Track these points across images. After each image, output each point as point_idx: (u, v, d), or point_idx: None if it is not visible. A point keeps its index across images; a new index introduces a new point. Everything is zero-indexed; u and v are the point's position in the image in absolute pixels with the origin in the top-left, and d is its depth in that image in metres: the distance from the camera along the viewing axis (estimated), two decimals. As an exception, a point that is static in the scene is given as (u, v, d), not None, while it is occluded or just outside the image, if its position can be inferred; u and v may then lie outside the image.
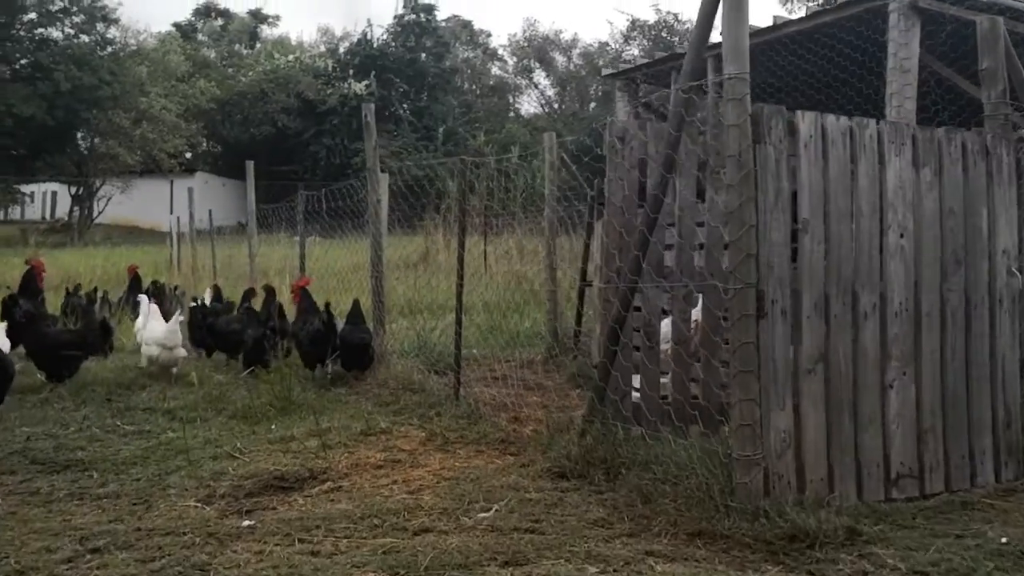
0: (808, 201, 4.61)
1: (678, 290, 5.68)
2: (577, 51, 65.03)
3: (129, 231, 44.10)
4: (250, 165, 14.93)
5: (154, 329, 9.10)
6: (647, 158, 5.68)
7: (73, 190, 47.73)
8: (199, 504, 4.93)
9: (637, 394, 5.70)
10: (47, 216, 54.61)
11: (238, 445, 6.30)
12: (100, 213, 47.77)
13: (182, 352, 9.17)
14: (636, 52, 59.25)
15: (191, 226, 22.10)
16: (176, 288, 14.76)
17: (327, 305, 9.11)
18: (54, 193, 54.25)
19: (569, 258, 13.65)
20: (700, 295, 5.76)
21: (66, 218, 48.26)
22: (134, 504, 4.99)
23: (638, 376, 5.66)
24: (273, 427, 6.95)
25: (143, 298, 10.27)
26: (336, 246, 13.64)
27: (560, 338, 10.29)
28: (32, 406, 7.67)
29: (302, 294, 9.38)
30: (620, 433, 5.23)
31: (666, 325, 5.85)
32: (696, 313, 5.85)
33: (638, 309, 5.56)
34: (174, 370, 8.97)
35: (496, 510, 4.63)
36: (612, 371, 5.32)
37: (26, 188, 53.84)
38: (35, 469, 5.80)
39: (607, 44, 62.03)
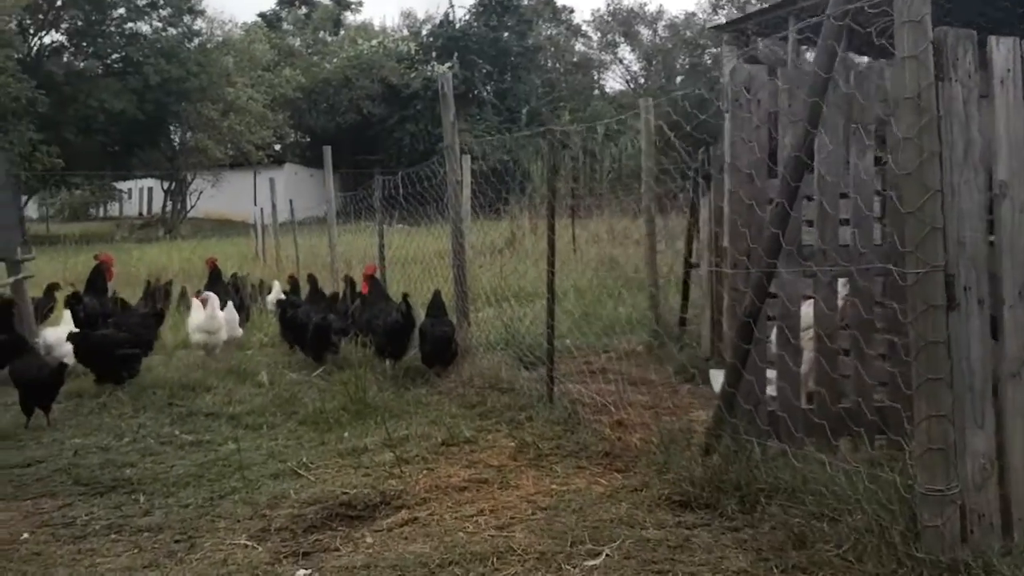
0: (1007, 158, 3.52)
1: (825, 274, 4.62)
2: (663, 23, 63.20)
3: (220, 224, 44.47)
4: (327, 151, 14.25)
5: (195, 317, 9.22)
6: (780, 113, 4.63)
7: (166, 185, 48.50)
8: (250, 543, 4.14)
9: (770, 397, 4.69)
10: (144, 212, 55.77)
11: (304, 460, 5.52)
12: (192, 207, 48.42)
13: (223, 336, 9.19)
14: (723, 21, 57.30)
15: (274, 217, 21.76)
16: (261, 281, 14.33)
17: (404, 296, 8.32)
18: (150, 189, 55.33)
19: (665, 239, 12.67)
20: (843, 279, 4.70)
21: (160, 213, 49.09)
22: (176, 541, 4.24)
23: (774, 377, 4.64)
24: (345, 435, 6.16)
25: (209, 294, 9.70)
26: (419, 232, 12.88)
27: (663, 326, 9.26)
28: (88, 412, 7.06)
29: (371, 282, 8.61)
30: (756, 451, 4.23)
31: (804, 313, 4.80)
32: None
33: (772, 295, 4.53)
34: (217, 351, 9.13)
35: (607, 555, 3.70)
36: (744, 374, 4.31)
37: (123, 185, 55.13)
38: (77, 491, 5.13)
39: (694, 14, 60.06)
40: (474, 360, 7.93)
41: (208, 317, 9.07)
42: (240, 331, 9.66)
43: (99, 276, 9.51)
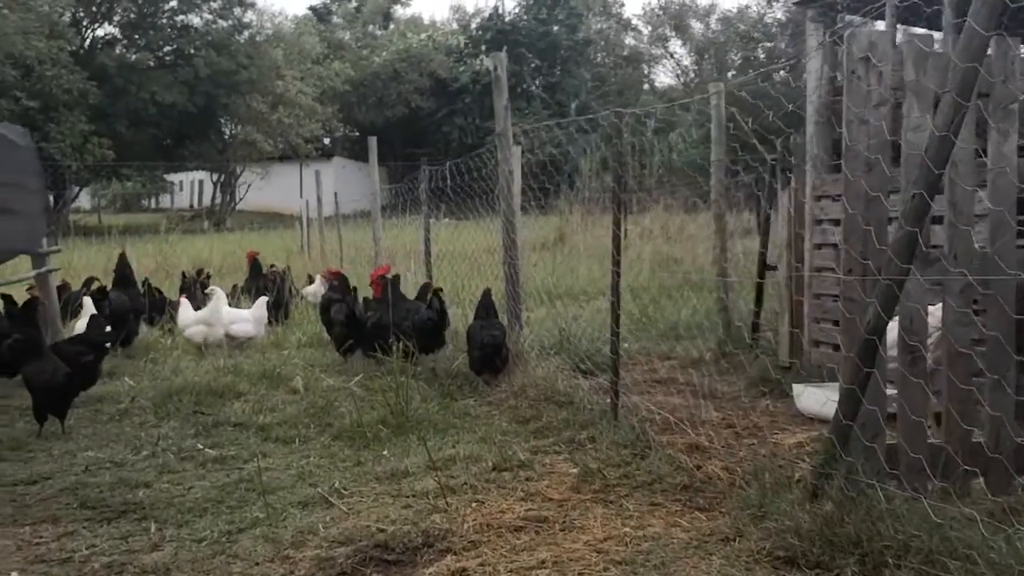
0: None
1: (956, 282, 3.82)
2: (715, 17, 61.82)
3: (268, 217, 44.30)
4: (372, 142, 13.64)
5: (186, 314, 9.21)
6: (905, 88, 3.84)
7: (215, 177, 48.56)
8: (266, 595, 3.48)
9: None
10: (194, 204, 56.00)
11: (336, 484, 4.86)
12: (241, 200, 48.41)
13: (221, 332, 9.04)
14: (779, 15, 55.80)
15: (319, 211, 21.32)
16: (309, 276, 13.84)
17: (437, 291, 8.01)
18: (200, 181, 55.52)
19: (732, 236, 11.85)
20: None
21: (209, 206, 49.18)
22: (182, 588, 3.60)
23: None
24: (384, 453, 5.51)
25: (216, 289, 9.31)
26: (466, 227, 12.21)
27: (733, 331, 8.47)
28: (107, 420, 6.49)
29: (383, 283, 8.29)
30: (880, 498, 3.46)
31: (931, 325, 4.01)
32: (934, 319, 4.01)
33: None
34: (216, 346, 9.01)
35: (702, 634, 2.97)
36: (864, 403, 3.54)
37: (174, 177, 55.41)
38: (82, 517, 4.52)
39: (748, 7, 58.62)
40: (527, 367, 7.21)
41: (211, 310, 9.00)
42: (254, 332, 9.11)
43: (125, 267, 9.00)
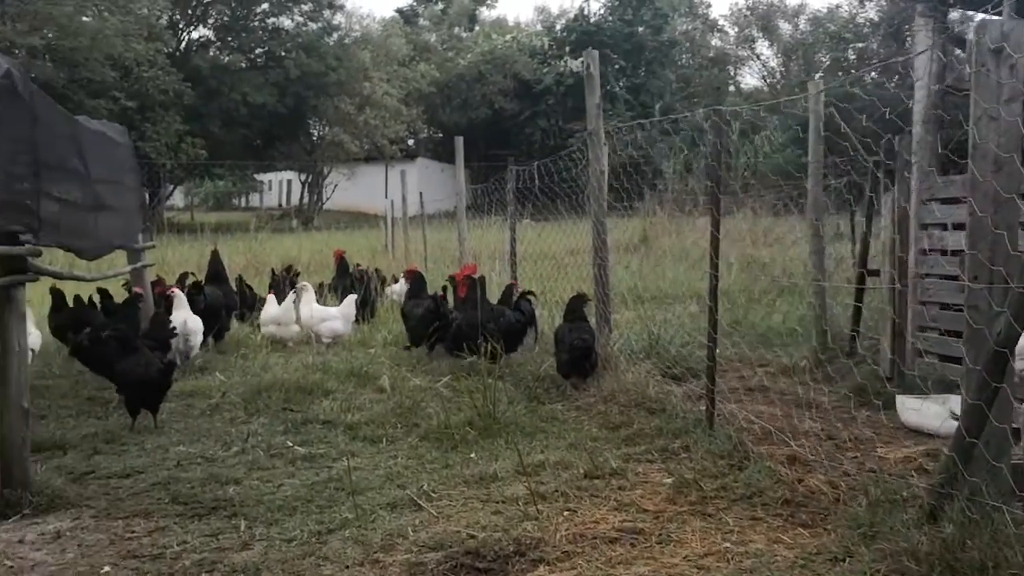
0: None
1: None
2: (804, 17, 60.43)
3: (354, 217, 44.94)
4: (459, 141, 13.62)
5: (268, 310, 9.42)
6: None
7: (303, 177, 49.47)
8: (357, 600, 3.41)
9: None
10: (282, 203, 57.20)
11: (424, 486, 4.79)
12: (328, 199, 49.23)
13: (295, 330, 9.33)
14: (872, 15, 54.19)
15: (404, 210, 21.46)
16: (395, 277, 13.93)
17: (526, 294, 8.18)
18: (288, 181, 56.68)
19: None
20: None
21: (296, 205, 50.16)
22: (271, 589, 3.56)
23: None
24: (472, 456, 5.42)
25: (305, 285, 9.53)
26: (547, 228, 12.08)
27: (829, 339, 8.14)
28: (199, 415, 6.56)
29: (468, 283, 8.34)
30: (1008, 523, 3.21)
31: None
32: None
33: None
34: (290, 344, 9.28)
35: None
36: (992, 420, 3.29)
37: (264, 176, 56.70)
38: (173, 512, 4.54)
39: (838, 6, 57.10)
40: (616, 372, 7.04)
41: (284, 310, 9.21)
42: (343, 330, 9.14)
43: (218, 264, 9.15)
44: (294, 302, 9.29)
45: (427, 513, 4.38)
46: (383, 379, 7.39)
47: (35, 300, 9.95)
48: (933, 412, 5.56)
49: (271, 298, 9.54)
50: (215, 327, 8.80)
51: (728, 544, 3.83)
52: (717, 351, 8.70)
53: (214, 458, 5.46)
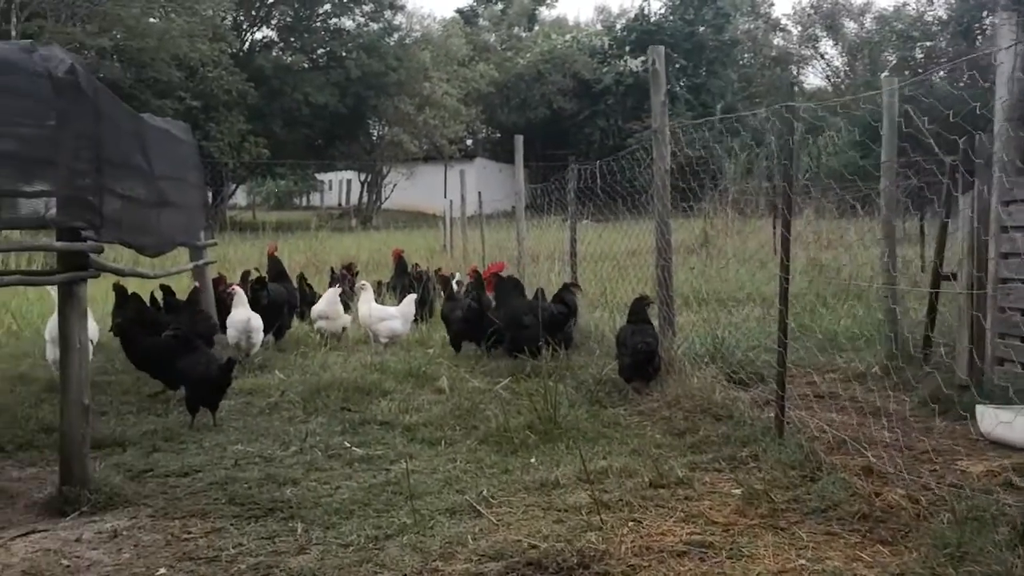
0: None
1: None
2: (870, 15, 59.18)
3: (412, 216, 45.19)
4: (519, 140, 13.49)
5: (317, 304, 9.52)
6: None
7: (363, 177, 49.90)
8: (415, 612, 3.30)
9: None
10: (342, 202, 57.79)
11: (484, 492, 4.66)
12: (387, 199, 49.58)
13: (343, 323, 9.47)
14: (941, 13, 52.79)
15: (463, 210, 21.45)
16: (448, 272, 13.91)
17: (569, 286, 8.34)
18: (348, 181, 57.25)
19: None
20: None
21: (356, 204, 50.60)
22: (327, 597, 3.46)
23: None
24: (532, 460, 5.29)
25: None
26: (609, 230, 11.90)
27: (902, 345, 7.82)
28: (258, 413, 6.53)
29: (496, 281, 8.54)
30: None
31: None
32: None
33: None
34: (339, 338, 9.42)
35: None
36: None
37: (324, 176, 57.32)
38: (230, 513, 4.48)
39: (906, 4, 55.77)
40: (680, 376, 6.85)
41: (328, 303, 9.30)
42: (402, 329, 9.08)
43: (277, 263, 9.19)
44: (341, 295, 9.34)
45: (487, 520, 4.26)
46: (441, 380, 7.30)
47: (98, 297, 10.17)
48: (1020, 424, 5.26)
49: (327, 294, 9.54)
50: (276, 324, 8.82)
51: (803, 561, 3.64)
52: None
53: (272, 458, 5.41)
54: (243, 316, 7.78)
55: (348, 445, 5.65)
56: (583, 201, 11.20)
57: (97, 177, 4.79)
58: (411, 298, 9.30)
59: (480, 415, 6.28)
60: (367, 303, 9.07)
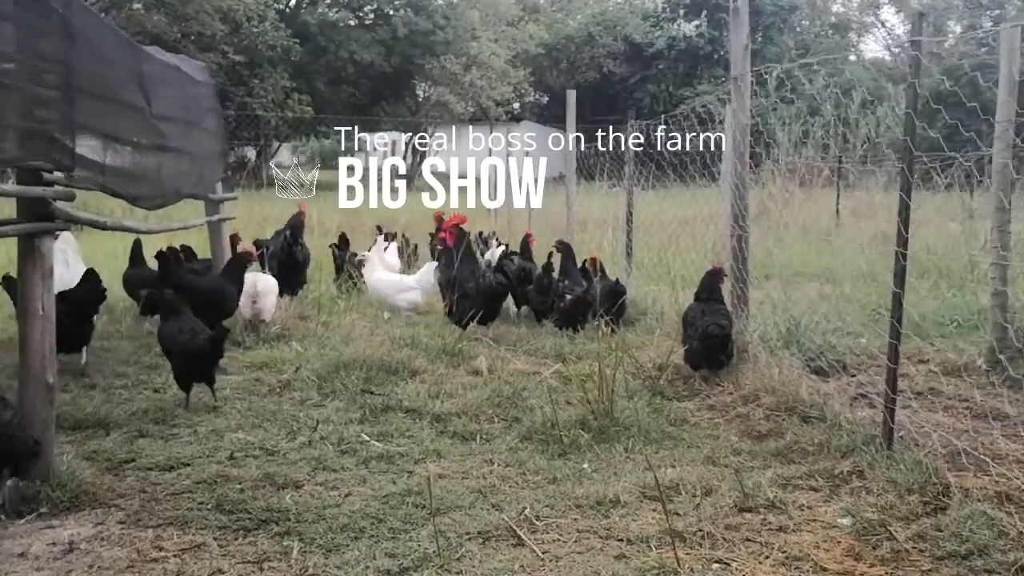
0: None
1: None
2: (936, -19, 56.54)
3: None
4: (571, 96, 12.47)
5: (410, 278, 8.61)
6: None
7: (407, 137, 48.95)
8: None
9: None
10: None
11: (527, 510, 3.76)
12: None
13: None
14: (1015, -23, 50.17)
15: (507, 174, 20.51)
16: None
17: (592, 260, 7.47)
18: (393, 142, 56.34)
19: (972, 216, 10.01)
20: None
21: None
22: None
23: None
24: (585, 466, 4.41)
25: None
26: (662, 196, 10.85)
27: (1013, 332, 6.74)
28: (266, 393, 5.66)
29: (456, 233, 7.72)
30: None
31: None
32: None
33: None
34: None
35: None
36: None
37: (367, 136, 56.44)
38: (215, 523, 3.64)
39: (974, -28, 53.13)
40: (756, 365, 5.86)
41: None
42: (420, 300, 8.23)
43: (299, 224, 8.44)
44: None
45: (530, 552, 3.36)
46: (479, 359, 6.39)
47: (119, 252, 9.40)
48: None
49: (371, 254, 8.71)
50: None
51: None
52: (863, 341, 7.48)
53: (274, 451, 4.55)
54: (249, 280, 6.93)
55: (366, 437, 4.77)
56: (638, 166, 10.19)
57: (68, 109, 3.92)
58: (430, 266, 8.32)
59: (523, 404, 5.37)
60: (378, 270, 8.26)
